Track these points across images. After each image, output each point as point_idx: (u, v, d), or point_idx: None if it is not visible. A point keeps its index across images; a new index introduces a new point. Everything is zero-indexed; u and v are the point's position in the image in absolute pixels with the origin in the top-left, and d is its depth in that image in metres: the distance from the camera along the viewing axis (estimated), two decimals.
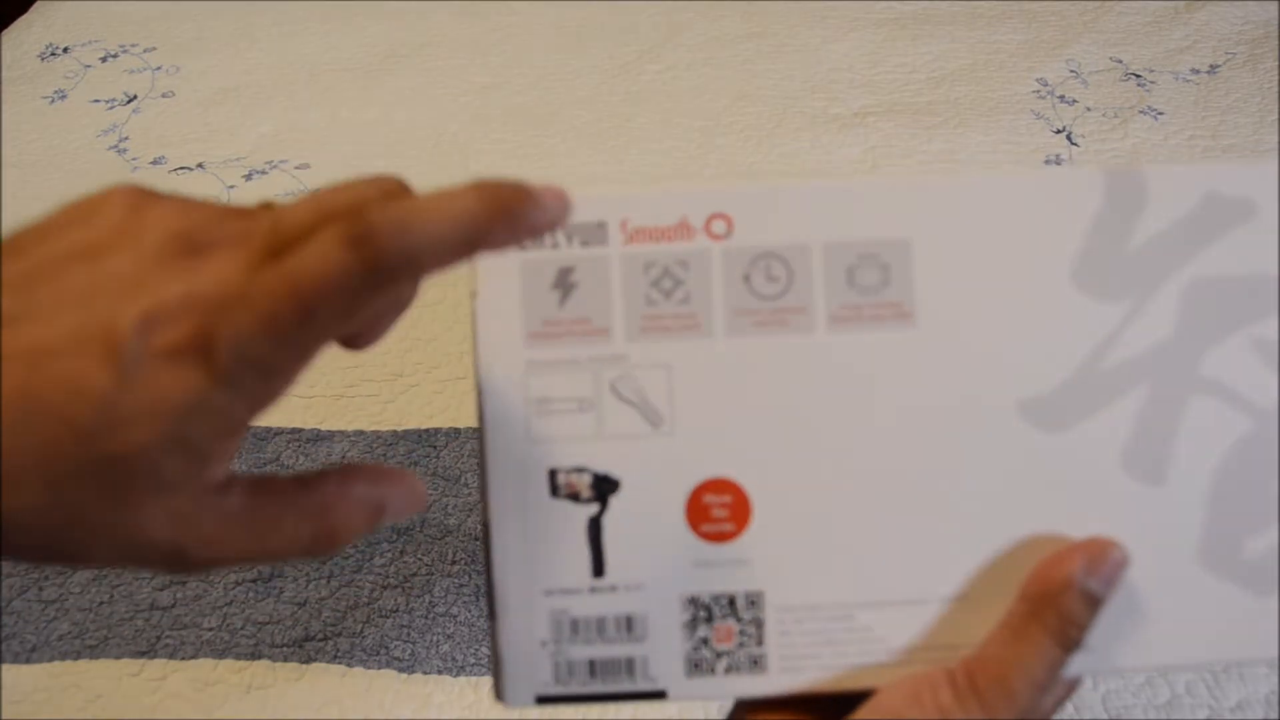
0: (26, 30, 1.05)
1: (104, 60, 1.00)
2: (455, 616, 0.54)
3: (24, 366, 0.22)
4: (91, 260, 0.23)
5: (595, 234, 0.31)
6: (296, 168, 0.85)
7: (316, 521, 0.25)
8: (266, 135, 0.89)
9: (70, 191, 0.80)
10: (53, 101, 0.95)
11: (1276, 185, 0.30)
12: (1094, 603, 0.28)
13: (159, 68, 0.99)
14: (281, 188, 0.83)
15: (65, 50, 1.02)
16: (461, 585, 0.55)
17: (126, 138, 0.90)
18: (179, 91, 0.96)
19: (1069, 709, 0.49)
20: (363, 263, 0.22)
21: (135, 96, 0.95)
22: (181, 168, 0.86)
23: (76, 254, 0.23)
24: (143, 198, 0.25)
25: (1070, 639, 0.28)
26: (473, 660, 0.52)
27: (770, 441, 0.30)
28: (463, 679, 0.52)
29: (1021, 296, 0.30)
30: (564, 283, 0.31)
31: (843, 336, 0.30)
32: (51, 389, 0.21)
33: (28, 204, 0.83)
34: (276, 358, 0.23)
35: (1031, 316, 0.30)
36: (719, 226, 0.31)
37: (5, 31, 1.06)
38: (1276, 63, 0.91)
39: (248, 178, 0.85)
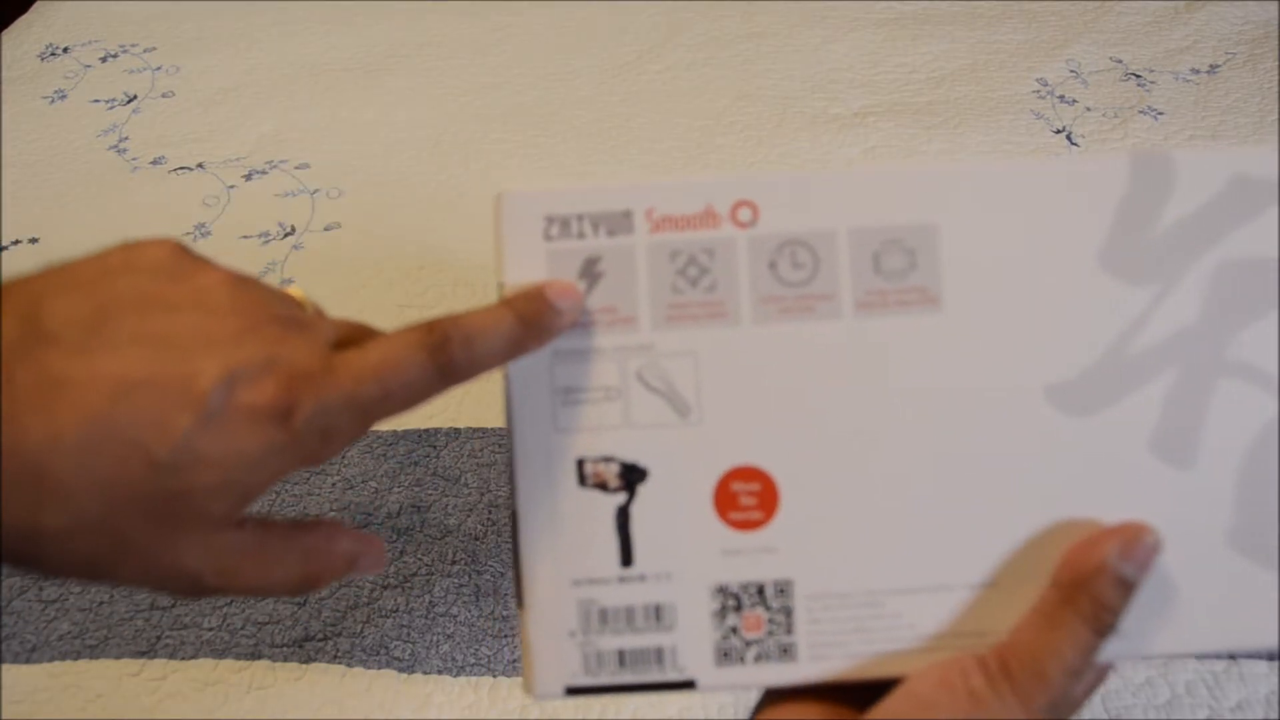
0: (26, 30, 1.05)
1: (104, 60, 1.00)
2: (455, 616, 0.54)
3: (103, 395, 0.23)
4: (166, 310, 0.26)
5: (621, 223, 0.31)
6: (296, 168, 0.85)
7: (307, 564, 0.28)
8: (266, 135, 0.89)
9: (71, 191, 0.80)
10: (53, 101, 0.95)
11: None
12: (1127, 587, 0.28)
13: (159, 68, 0.99)
14: (281, 188, 0.83)
15: (65, 50, 1.02)
16: (461, 585, 0.55)
17: (126, 138, 0.90)
18: (179, 91, 0.96)
19: None
20: (438, 367, 0.27)
21: (135, 96, 0.95)
22: (181, 168, 0.86)
23: (148, 301, 0.26)
24: (190, 258, 0.27)
25: (1104, 624, 0.28)
26: (473, 660, 0.52)
27: (797, 429, 0.30)
28: (463, 679, 0.52)
29: (1048, 281, 0.30)
30: (590, 272, 0.31)
31: (869, 322, 0.30)
32: (132, 419, 0.23)
33: (28, 204, 0.83)
34: (344, 429, 0.26)
35: (1058, 301, 0.30)
36: (744, 214, 0.31)
37: (5, 31, 1.06)
38: (1276, 63, 0.91)
39: (248, 178, 0.85)
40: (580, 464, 0.31)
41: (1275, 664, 0.50)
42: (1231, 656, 0.50)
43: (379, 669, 0.52)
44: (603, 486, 0.31)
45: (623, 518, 0.30)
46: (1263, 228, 0.30)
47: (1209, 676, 0.50)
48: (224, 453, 0.24)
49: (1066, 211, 0.30)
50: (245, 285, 0.27)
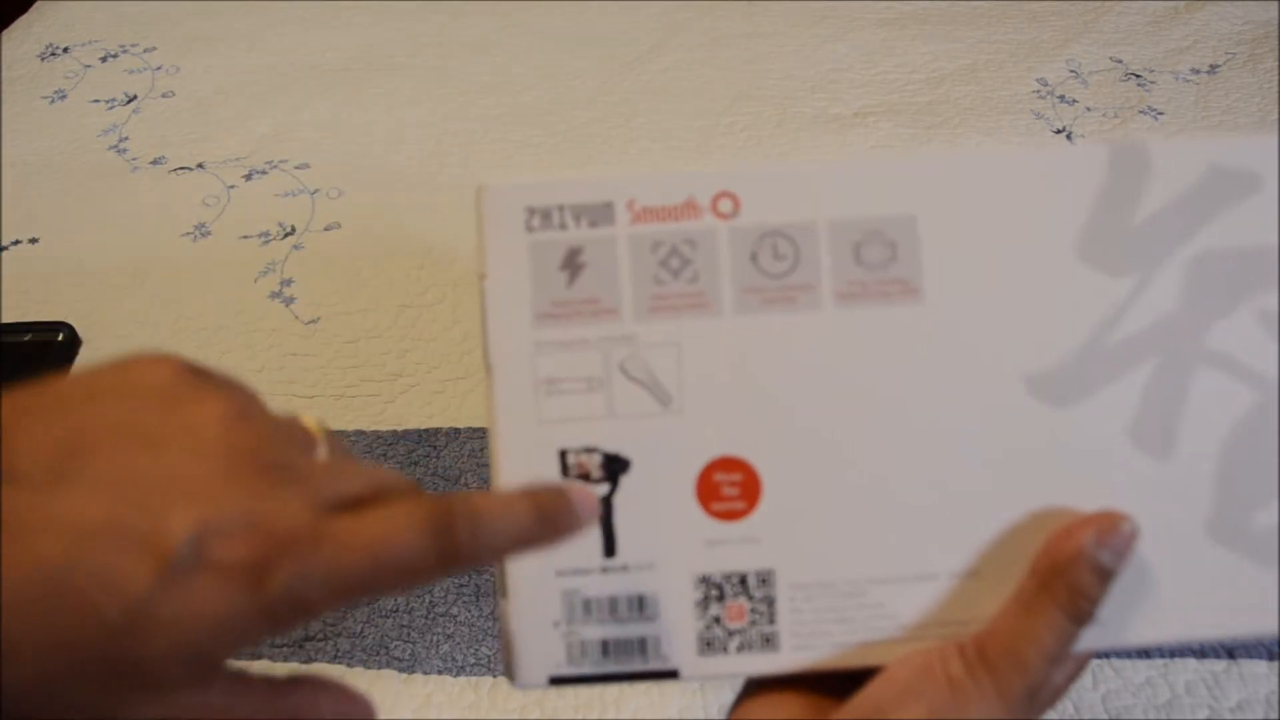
0: (26, 30, 1.05)
1: (104, 60, 1.00)
2: (455, 616, 0.54)
3: (61, 543, 0.21)
4: (144, 446, 0.23)
5: (602, 214, 0.31)
6: (296, 168, 0.85)
7: None
8: (266, 135, 0.89)
9: (71, 191, 0.80)
10: (53, 101, 0.95)
11: None
12: (1105, 575, 0.28)
13: (159, 68, 0.99)
14: (281, 188, 0.83)
15: (65, 50, 1.02)
16: (461, 585, 0.55)
17: (126, 138, 0.90)
18: (179, 91, 0.96)
19: (1069, 709, 0.49)
20: (439, 551, 0.24)
21: (135, 96, 0.95)
22: (181, 168, 0.86)
23: (130, 434, 0.23)
24: (191, 382, 0.25)
25: (1082, 611, 0.28)
26: (473, 660, 0.52)
27: (779, 419, 0.30)
28: (463, 679, 0.52)
29: (1028, 271, 0.30)
30: (572, 263, 0.31)
31: (850, 313, 0.30)
32: (86, 576, 0.21)
33: (28, 204, 0.83)
34: (324, 605, 0.23)
35: (1038, 291, 0.30)
36: (726, 205, 0.31)
37: (5, 31, 1.06)
38: (1276, 63, 0.91)
39: (248, 178, 0.85)
40: (563, 455, 0.31)
41: (1275, 664, 0.50)
42: (1231, 655, 0.50)
43: (379, 669, 0.52)
44: (585, 477, 0.31)
45: (605, 508, 0.31)
46: (1240, 218, 0.30)
47: (1209, 676, 0.50)
48: (183, 616, 0.22)
49: (1046, 202, 0.30)
50: (245, 421, 0.24)
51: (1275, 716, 0.48)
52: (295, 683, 0.26)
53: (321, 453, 0.26)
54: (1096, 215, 0.30)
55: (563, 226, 0.31)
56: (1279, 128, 0.82)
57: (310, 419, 0.27)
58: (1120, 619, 0.30)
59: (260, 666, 0.52)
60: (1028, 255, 0.30)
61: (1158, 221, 0.30)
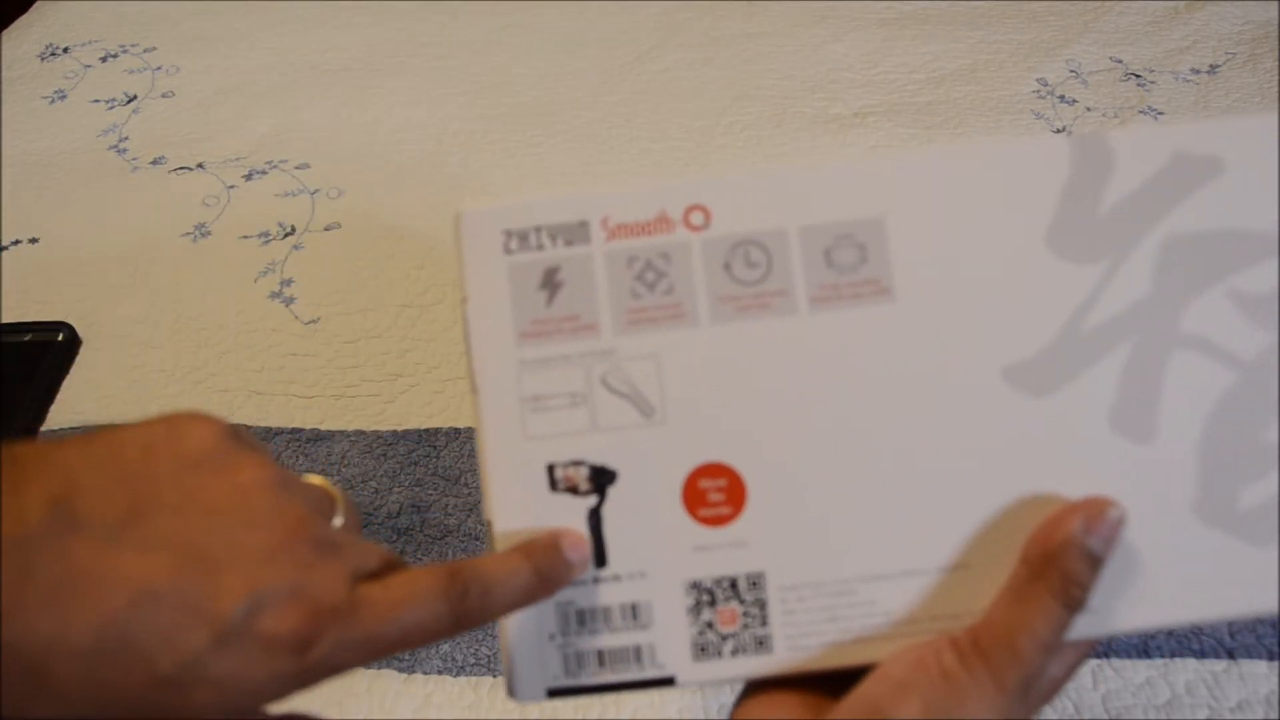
0: (26, 30, 1.05)
1: (104, 60, 1.00)
2: None
3: (121, 599, 0.23)
4: (202, 513, 0.25)
5: (578, 233, 0.31)
6: (296, 168, 0.85)
7: None
8: (266, 135, 0.89)
9: (71, 191, 0.80)
10: (53, 101, 0.95)
11: (1244, 141, 0.31)
12: (1095, 561, 0.28)
13: (159, 68, 0.99)
14: (281, 188, 0.83)
15: (65, 50, 1.02)
16: None
17: (126, 138, 0.90)
18: (179, 91, 0.96)
19: (1069, 709, 0.49)
20: (454, 616, 0.27)
21: (135, 96, 0.95)
22: (181, 168, 0.86)
23: (185, 497, 0.25)
24: (235, 447, 0.27)
25: (1074, 599, 0.28)
26: (473, 660, 0.52)
27: (761, 423, 0.31)
28: (463, 679, 0.52)
29: (998, 264, 0.31)
30: (550, 282, 0.31)
31: (825, 316, 0.31)
32: (145, 632, 0.23)
33: (28, 204, 0.83)
34: (354, 663, 0.25)
35: (1009, 283, 0.31)
36: (697, 218, 0.31)
37: (5, 31, 1.06)
38: (1276, 63, 0.91)
39: (248, 178, 0.85)
40: (550, 469, 0.31)
41: (1275, 664, 0.50)
42: (1231, 655, 0.50)
43: (379, 669, 0.52)
44: (574, 490, 0.31)
45: (595, 520, 0.31)
46: (1205, 202, 0.30)
47: (1209, 676, 0.50)
48: (230, 677, 0.23)
49: (1010, 196, 0.31)
50: (286, 490, 0.26)
51: (1275, 717, 0.48)
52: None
53: (339, 520, 0.28)
54: (1063, 206, 0.31)
55: (540, 247, 0.31)
56: (1278, 143, 0.82)
57: (326, 483, 0.29)
58: (1112, 605, 0.30)
59: None
60: (997, 248, 0.31)
61: (1124, 209, 0.30)
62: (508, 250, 0.31)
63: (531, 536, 0.30)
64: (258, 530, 0.25)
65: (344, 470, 0.62)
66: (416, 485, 0.61)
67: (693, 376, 0.31)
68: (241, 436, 0.27)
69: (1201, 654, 0.50)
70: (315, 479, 0.29)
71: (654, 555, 0.31)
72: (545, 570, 0.29)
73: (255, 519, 0.25)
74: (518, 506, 0.31)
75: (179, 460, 0.26)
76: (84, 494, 0.24)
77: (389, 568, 0.28)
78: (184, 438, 0.26)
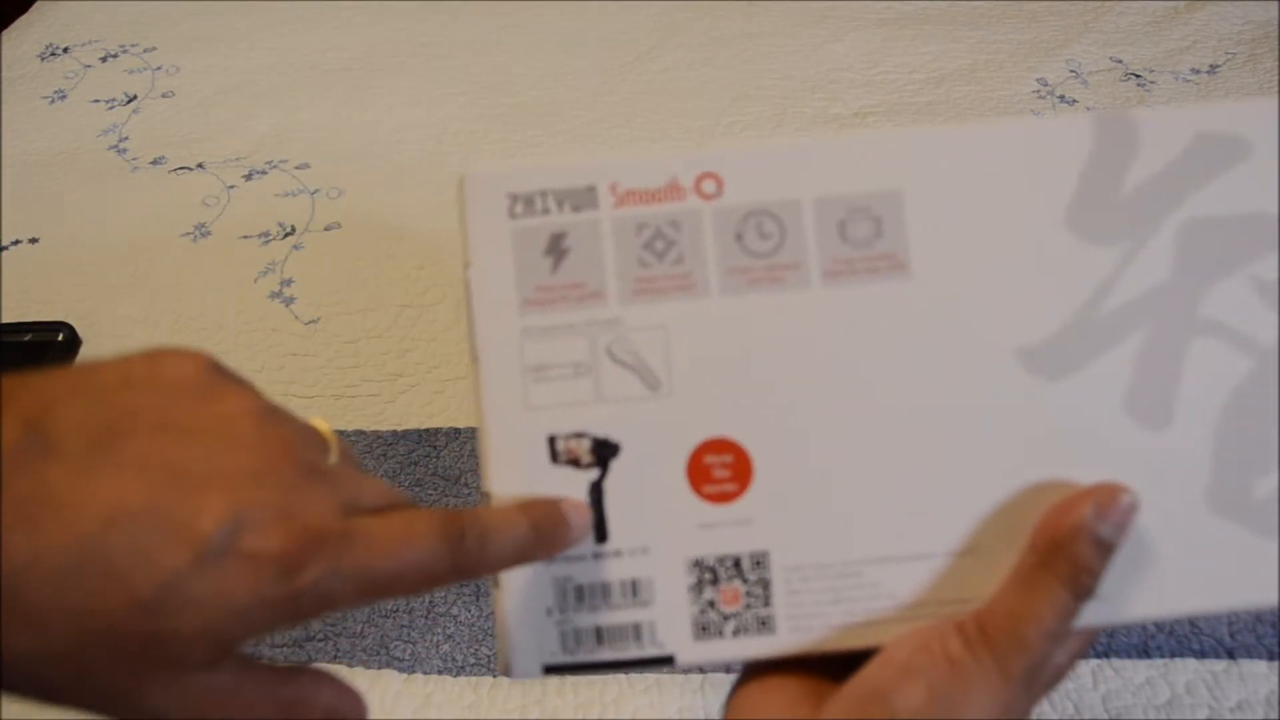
0: (26, 30, 1.05)
1: (104, 60, 1.00)
2: (455, 616, 0.54)
3: (95, 520, 0.22)
4: (181, 435, 0.24)
5: (585, 198, 0.30)
6: (296, 168, 0.85)
7: (283, 713, 0.26)
8: (266, 135, 0.89)
9: (71, 191, 0.80)
10: (53, 101, 0.95)
11: (1270, 123, 0.30)
12: (1105, 548, 0.28)
13: (159, 68, 0.99)
14: (281, 188, 0.83)
15: (65, 50, 1.02)
16: (462, 585, 0.55)
17: (126, 138, 0.90)
18: (179, 91, 0.96)
19: (1069, 709, 0.49)
20: (451, 559, 0.26)
21: (135, 96, 0.95)
22: (181, 168, 0.86)
23: (164, 422, 0.24)
24: (219, 378, 0.26)
25: (1083, 586, 0.27)
26: (473, 660, 0.52)
27: (769, 399, 0.30)
28: (463, 679, 0.52)
29: (1016, 243, 0.30)
30: (556, 249, 0.30)
31: (838, 291, 0.30)
32: (122, 553, 0.22)
33: (28, 204, 0.83)
34: (346, 598, 0.24)
35: (1027, 263, 0.30)
36: (709, 186, 0.30)
37: (5, 31, 1.06)
38: (1276, 63, 0.91)
39: (248, 178, 0.85)
40: (552, 441, 0.30)
41: (1275, 664, 0.50)
42: (1231, 655, 0.50)
43: (379, 669, 0.52)
44: (575, 463, 0.30)
45: (596, 494, 0.30)
46: (1229, 185, 0.30)
47: (1209, 676, 0.50)
48: (213, 599, 0.22)
49: (1031, 174, 0.30)
50: (274, 419, 0.26)
51: (1275, 716, 0.48)
52: (297, 671, 0.27)
53: (334, 458, 0.27)
54: (1084, 185, 0.30)
55: (545, 212, 0.30)
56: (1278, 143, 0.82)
57: (322, 423, 0.28)
58: (1121, 594, 0.29)
59: None
60: (1015, 227, 0.30)
61: (1146, 190, 0.30)
62: (512, 215, 0.30)
63: (535, 497, 0.30)
64: (242, 452, 0.24)
65: None
66: (416, 485, 0.61)
67: (701, 349, 0.30)
68: (226, 371, 0.27)
69: (1201, 654, 0.50)
70: (314, 419, 0.28)
71: (656, 531, 0.30)
72: (543, 528, 0.28)
73: (239, 442, 0.24)
74: (517, 478, 0.30)
75: (160, 388, 0.25)
76: (59, 418, 0.23)
77: (389, 505, 0.27)
78: (165, 368, 0.25)
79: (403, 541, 0.25)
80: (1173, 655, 0.50)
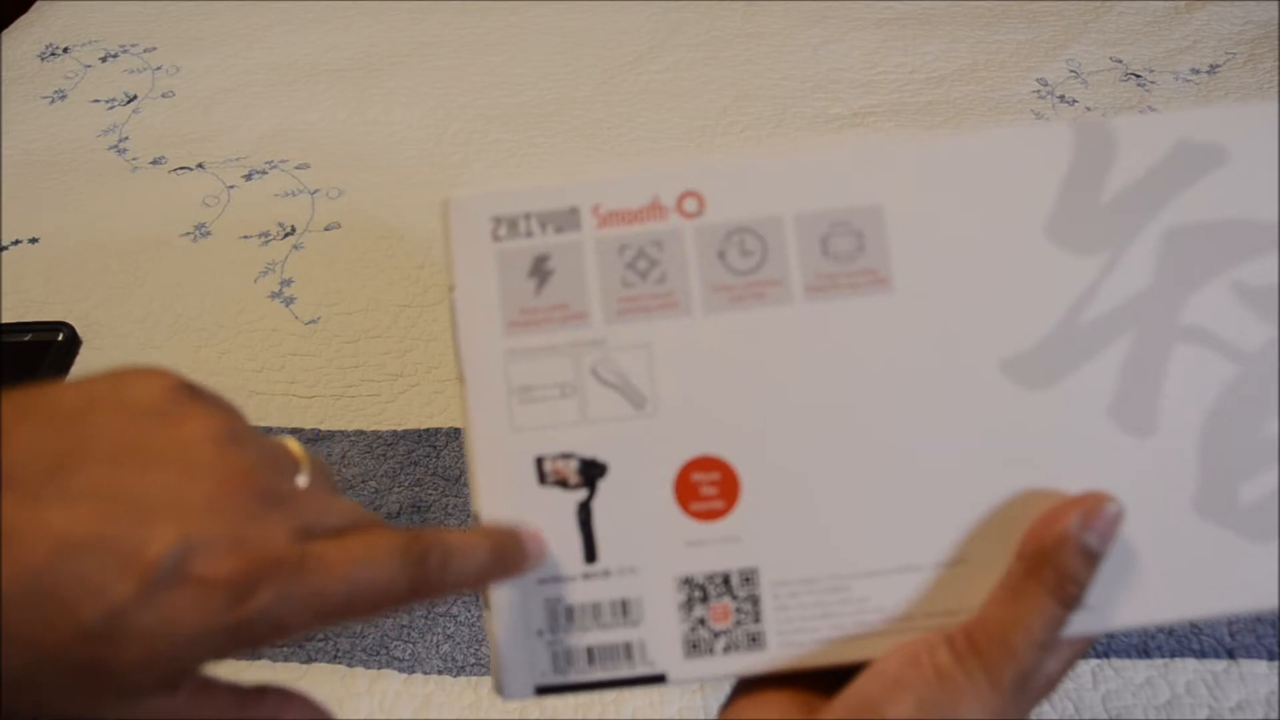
0: (26, 30, 1.05)
1: (104, 60, 1.00)
2: (455, 616, 0.54)
3: (48, 550, 0.22)
4: (136, 462, 0.24)
5: (568, 220, 0.31)
6: (296, 168, 0.85)
7: None
8: (266, 135, 0.89)
9: (71, 191, 0.80)
10: (53, 101, 0.95)
11: (1246, 129, 0.30)
12: (1092, 558, 0.28)
13: (159, 68, 0.99)
14: (281, 188, 0.83)
15: (65, 50, 1.02)
16: None
17: (126, 138, 0.90)
18: (179, 91, 0.96)
19: (1069, 709, 0.49)
20: (411, 581, 0.25)
21: (135, 96, 0.95)
22: (181, 168, 0.86)
23: (119, 448, 0.24)
24: (186, 400, 0.26)
25: (1070, 595, 0.28)
26: (473, 660, 0.52)
27: (754, 416, 0.30)
28: (463, 679, 0.52)
29: (997, 255, 0.30)
30: (540, 270, 0.31)
31: (821, 306, 0.30)
32: (69, 583, 0.22)
33: (28, 204, 0.83)
34: (299, 624, 0.24)
35: (1009, 274, 0.30)
36: (690, 205, 0.31)
37: (5, 31, 1.06)
38: (1276, 63, 0.91)
39: (248, 178, 0.85)
40: (539, 462, 0.31)
41: (1275, 664, 0.50)
42: (1231, 655, 0.50)
43: (379, 669, 0.52)
44: (563, 484, 0.30)
45: (584, 514, 0.30)
46: (1208, 191, 0.30)
47: (1209, 676, 0.50)
48: (158, 627, 0.22)
49: (1010, 184, 0.30)
50: (236, 443, 0.25)
51: (1275, 716, 0.48)
52: (261, 691, 0.27)
53: (303, 480, 0.27)
54: (1064, 195, 0.30)
55: (529, 234, 0.31)
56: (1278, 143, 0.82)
57: (295, 444, 0.28)
58: (1109, 602, 0.30)
59: (261, 666, 0.52)
60: (996, 238, 0.30)
61: (1126, 198, 0.30)
62: (496, 237, 0.31)
63: (496, 523, 0.30)
64: (198, 480, 0.24)
65: (344, 470, 0.62)
66: (416, 485, 0.61)
67: (685, 367, 0.30)
68: (197, 391, 0.26)
69: (1201, 654, 0.50)
70: (287, 440, 0.28)
71: (645, 550, 0.30)
72: (502, 551, 0.29)
73: (196, 469, 0.24)
74: (506, 500, 0.31)
75: (121, 412, 0.25)
76: (15, 445, 0.23)
77: (354, 526, 0.26)
78: (129, 389, 0.25)
79: (359, 564, 0.25)
80: (1173, 655, 0.50)
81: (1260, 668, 0.50)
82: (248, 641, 0.23)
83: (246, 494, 0.24)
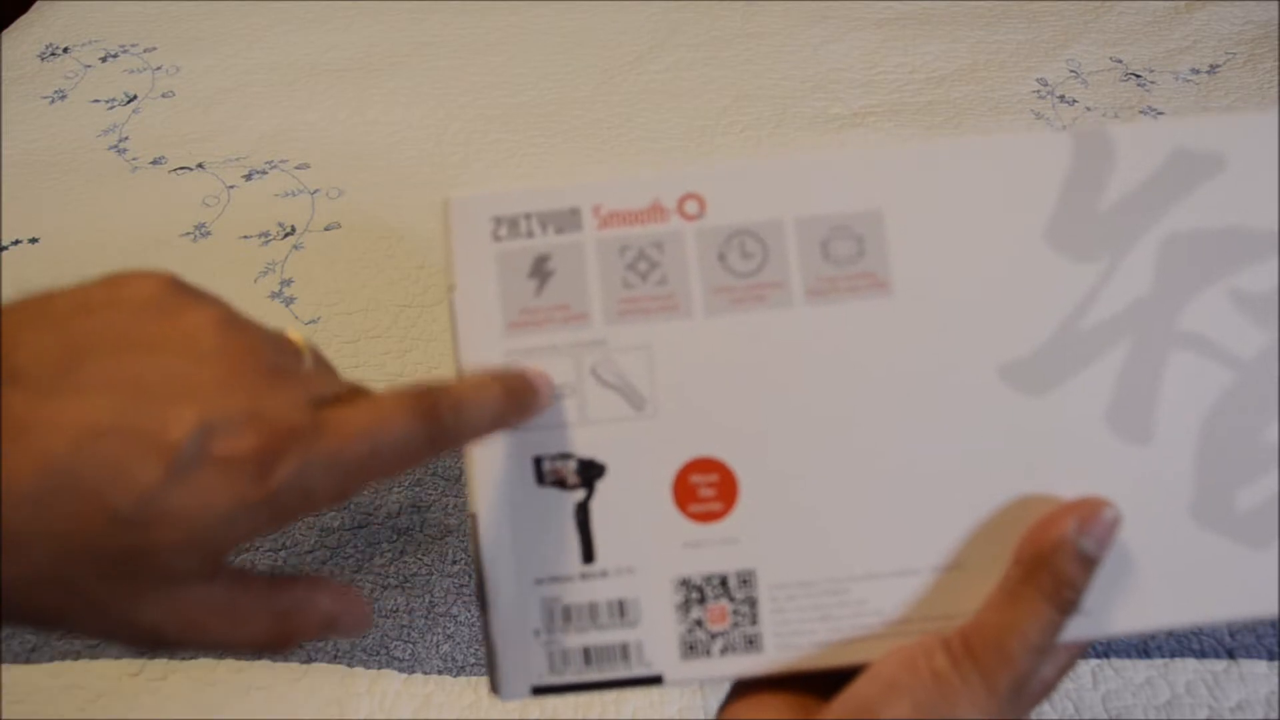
0: (26, 30, 1.05)
1: (104, 60, 1.00)
2: (455, 616, 0.54)
3: (65, 442, 0.22)
4: (144, 351, 0.24)
5: (569, 220, 0.31)
6: (296, 168, 0.85)
7: (280, 623, 0.26)
8: (266, 135, 0.89)
9: (71, 191, 0.80)
10: (53, 101, 0.95)
11: (1244, 138, 0.30)
12: (1088, 563, 0.28)
13: (159, 68, 0.99)
14: (281, 188, 0.83)
15: (65, 50, 1.02)
16: (462, 585, 0.55)
17: (126, 138, 0.90)
18: (179, 91, 0.96)
19: (1069, 709, 0.49)
20: (427, 431, 0.26)
21: (135, 96, 0.95)
22: (181, 168, 0.86)
23: (125, 340, 0.24)
24: (182, 294, 0.26)
25: (1066, 601, 0.28)
26: (473, 660, 0.52)
27: (753, 418, 0.30)
28: (463, 679, 0.52)
29: (997, 260, 0.30)
30: (540, 270, 0.31)
31: (821, 309, 0.30)
32: (94, 469, 0.22)
33: (28, 204, 0.83)
34: (326, 490, 0.24)
35: (1008, 280, 0.30)
36: (691, 207, 0.31)
37: (5, 31, 1.06)
38: (1276, 63, 0.91)
39: (248, 178, 0.85)
40: (538, 462, 0.31)
41: (1275, 664, 0.50)
42: (1231, 655, 0.50)
43: (379, 669, 0.52)
44: (561, 484, 0.31)
45: (582, 514, 0.31)
46: (1206, 199, 0.30)
47: (1209, 676, 0.50)
48: (192, 508, 0.22)
49: (1010, 191, 0.30)
50: (237, 328, 0.26)
51: (1275, 716, 0.48)
52: (294, 579, 0.27)
53: (307, 362, 0.27)
54: (1063, 201, 0.30)
55: (530, 234, 0.31)
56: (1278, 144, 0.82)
57: (294, 331, 0.28)
58: (1106, 608, 0.30)
59: (261, 666, 0.52)
60: (996, 244, 0.30)
61: (1124, 206, 0.30)
62: (497, 237, 0.31)
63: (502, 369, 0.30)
64: (206, 363, 0.24)
65: None
66: (416, 485, 0.61)
67: (685, 369, 0.30)
68: (190, 287, 0.26)
69: (1201, 654, 0.50)
70: (288, 329, 0.28)
71: (643, 551, 0.30)
72: (513, 392, 0.29)
73: (203, 353, 0.24)
74: (504, 500, 0.31)
75: (121, 308, 0.25)
76: (20, 345, 0.23)
77: (358, 394, 0.27)
78: (124, 289, 0.25)
79: (376, 423, 0.25)
80: (1173, 655, 0.50)
81: (1260, 668, 0.50)
82: (278, 514, 0.24)
83: (255, 372, 0.25)
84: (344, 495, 0.25)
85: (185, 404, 0.23)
